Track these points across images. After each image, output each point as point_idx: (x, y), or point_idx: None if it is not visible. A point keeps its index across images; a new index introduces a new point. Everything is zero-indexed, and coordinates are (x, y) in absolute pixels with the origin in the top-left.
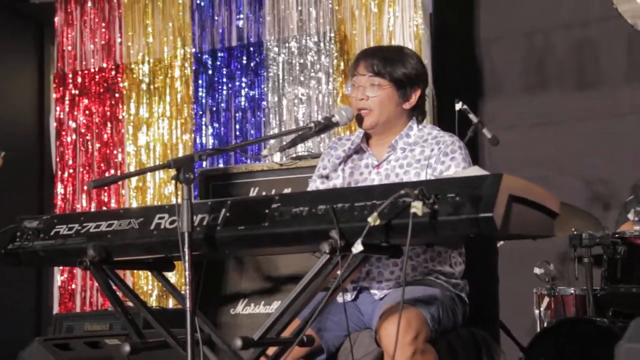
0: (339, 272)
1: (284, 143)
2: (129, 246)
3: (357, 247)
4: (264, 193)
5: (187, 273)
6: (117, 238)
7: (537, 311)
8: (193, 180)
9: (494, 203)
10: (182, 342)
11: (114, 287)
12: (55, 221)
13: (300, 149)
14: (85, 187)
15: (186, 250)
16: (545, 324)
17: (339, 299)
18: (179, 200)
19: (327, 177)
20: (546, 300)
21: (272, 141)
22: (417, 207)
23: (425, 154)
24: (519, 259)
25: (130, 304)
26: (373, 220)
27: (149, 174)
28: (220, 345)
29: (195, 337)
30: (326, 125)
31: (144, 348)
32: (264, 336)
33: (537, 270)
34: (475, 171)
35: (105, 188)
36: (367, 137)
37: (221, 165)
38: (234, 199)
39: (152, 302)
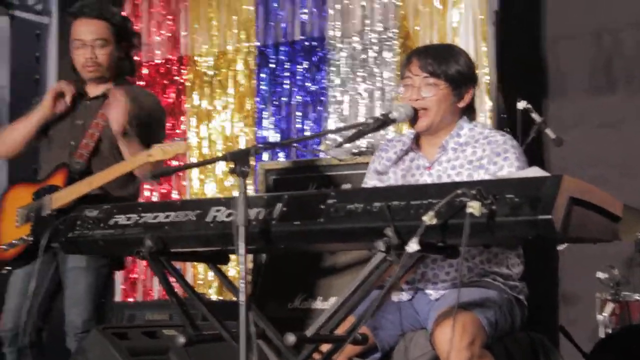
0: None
1: (343, 139)
2: (185, 238)
3: (412, 246)
4: (323, 189)
5: (241, 267)
6: (174, 229)
7: (599, 317)
8: (248, 173)
9: (554, 205)
10: (235, 335)
11: (171, 278)
12: (114, 211)
13: (362, 144)
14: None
15: (241, 243)
16: (609, 330)
17: (395, 298)
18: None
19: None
20: (610, 305)
21: (330, 136)
22: (474, 207)
23: (477, 155)
24: (582, 262)
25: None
26: (429, 219)
27: (210, 166)
28: (275, 341)
29: (249, 331)
30: (384, 122)
31: (198, 340)
32: (317, 333)
33: (600, 275)
34: (535, 172)
35: (168, 178)
36: (416, 138)
37: (282, 159)
38: (291, 193)
39: (213, 293)
